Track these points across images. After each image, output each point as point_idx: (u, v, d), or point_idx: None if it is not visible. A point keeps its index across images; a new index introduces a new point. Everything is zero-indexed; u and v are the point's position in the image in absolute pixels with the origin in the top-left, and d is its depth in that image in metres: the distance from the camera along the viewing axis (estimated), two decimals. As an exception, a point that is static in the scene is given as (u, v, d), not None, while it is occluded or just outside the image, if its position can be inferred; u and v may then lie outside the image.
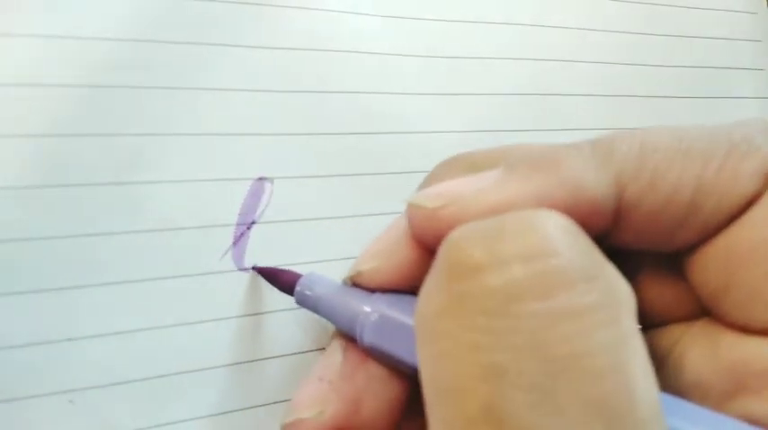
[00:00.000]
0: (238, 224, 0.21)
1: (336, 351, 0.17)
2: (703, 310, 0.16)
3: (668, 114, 0.28)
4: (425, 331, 0.12)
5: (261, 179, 0.22)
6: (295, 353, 0.22)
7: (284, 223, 0.22)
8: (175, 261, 0.20)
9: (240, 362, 0.21)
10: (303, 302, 0.18)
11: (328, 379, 0.16)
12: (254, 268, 0.21)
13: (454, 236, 0.13)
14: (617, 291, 0.12)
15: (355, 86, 0.23)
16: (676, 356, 0.16)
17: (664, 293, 0.16)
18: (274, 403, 0.21)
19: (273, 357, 0.21)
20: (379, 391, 0.16)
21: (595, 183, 0.14)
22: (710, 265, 0.15)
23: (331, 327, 0.19)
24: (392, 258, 0.16)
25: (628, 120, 0.28)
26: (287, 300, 0.22)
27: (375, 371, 0.17)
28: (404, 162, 0.24)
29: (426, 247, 0.16)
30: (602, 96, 0.28)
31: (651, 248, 0.15)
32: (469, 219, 0.13)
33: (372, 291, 0.17)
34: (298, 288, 0.18)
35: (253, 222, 0.21)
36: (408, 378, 0.17)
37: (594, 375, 0.11)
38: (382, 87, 0.24)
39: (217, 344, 0.21)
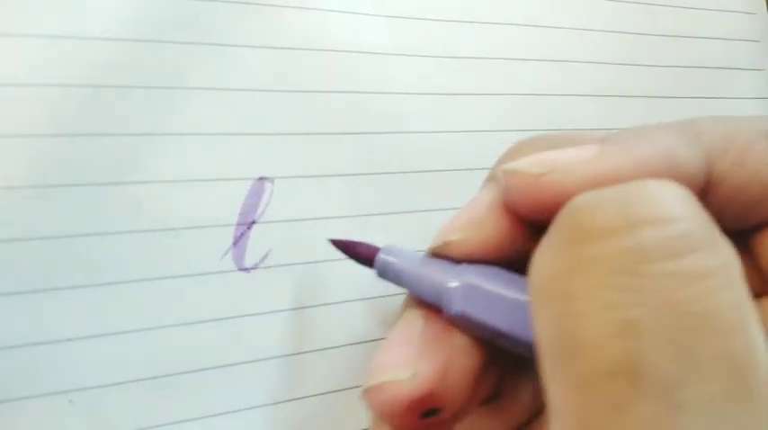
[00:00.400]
0: (238, 224, 0.21)
1: (416, 320, 0.17)
2: None
3: (668, 114, 0.28)
4: (548, 292, 0.13)
5: (261, 179, 0.22)
6: (294, 354, 0.22)
7: (284, 223, 0.22)
8: (175, 261, 0.20)
9: (240, 363, 0.21)
10: (385, 273, 0.18)
11: (412, 345, 0.17)
12: (332, 242, 0.20)
13: (579, 201, 0.13)
14: (732, 258, 0.12)
15: (355, 86, 0.23)
16: None
17: None
18: (276, 403, 0.21)
19: (273, 357, 0.21)
20: (463, 360, 0.17)
21: (689, 157, 0.15)
22: None
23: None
24: (481, 229, 0.17)
25: (628, 121, 0.28)
26: (286, 301, 0.22)
27: (459, 341, 0.17)
28: (404, 162, 0.24)
29: (517, 218, 0.16)
30: (602, 96, 0.28)
31: (726, 226, 0.16)
32: (572, 187, 0.14)
33: (458, 262, 0.17)
34: (381, 256, 0.18)
35: (253, 222, 0.21)
36: (487, 350, 0.17)
37: (724, 332, 0.11)
38: (382, 87, 0.24)
39: (217, 344, 0.21)
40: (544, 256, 0.13)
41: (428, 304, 0.17)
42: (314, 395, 0.22)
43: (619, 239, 0.12)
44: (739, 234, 0.16)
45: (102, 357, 0.19)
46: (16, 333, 0.18)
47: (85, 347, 0.19)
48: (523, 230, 0.16)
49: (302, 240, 0.22)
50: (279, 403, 0.21)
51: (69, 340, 0.19)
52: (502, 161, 0.18)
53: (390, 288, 0.23)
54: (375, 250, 0.19)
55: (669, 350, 0.11)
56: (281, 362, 0.21)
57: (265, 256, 0.21)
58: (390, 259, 0.18)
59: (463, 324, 0.17)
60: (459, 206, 0.24)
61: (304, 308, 0.22)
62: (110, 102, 0.20)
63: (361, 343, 0.22)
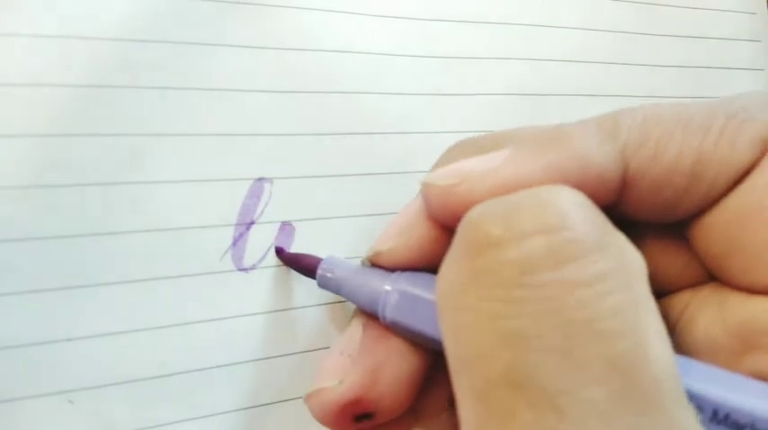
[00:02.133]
0: (238, 224, 0.21)
1: (357, 328, 0.18)
2: (709, 276, 0.17)
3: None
4: (447, 305, 0.13)
5: (261, 179, 0.22)
6: (294, 354, 0.22)
7: (283, 223, 0.22)
8: (175, 261, 0.20)
9: (240, 362, 0.21)
10: (325, 284, 0.19)
11: (348, 352, 0.17)
12: (276, 253, 0.21)
13: (473, 214, 0.13)
14: (628, 259, 0.12)
15: (355, 86, 0.23)
16: (686, 321, 0.17)
17: (670, 262, 0.17)
18: (275, 403, 0.21)
19: (273, 357, 0.21)
20: (397, 364, 0.17)
21: (602, 156, 0.15)
22: (714, 231, 0.16)
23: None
24: (409, 238, 0.17)
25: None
26: (286, 301, 0.22)
27: (394, 344, 0.17)
28: (404, 162, 0.24)
29: (442, 225, 0.17)
30: (602, 96, 0.28)
31: (656, 219, 0.16)
32: (482, 195, 0.14)
33: (391, 270, 0.18)
34: (319, 271, 0.19)
35: (252, 222, 0.21)
36: (428, 352, 0.17)
37: (608, 336, 0.11)
38: (382, 87, 0.24)
39: (216, 344, 0.21)
40: (444, 270, 0.14)
41: (368, 313, 0.18)
42: (313, 395, 0.22)
43: (504, 251, 0.12)
44: (675, 225, 0.16)
45: (102, 357, 0.19)
46: (16, 333, 0.18)
47: (85, 347, 0.19)
48: (448, 237, 0.16)
49: (302, 240, 0.22)
50: (279, 403, 0.21)
51: (69, 340, 0.19)
52: (432, 168, 0.18)
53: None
54: (317, 261, 0.19)
55: (552, 358, 0.11)
56: (282, 362, 0.21)
57: (264, 256, 0.21)
58: (329, 271, 0.19)
59: (398, 329, 0.17)
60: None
61: (304, 307, 0.22)
62: (110, 102, 0.20)
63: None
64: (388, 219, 0.23)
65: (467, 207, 0.14)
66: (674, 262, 0.17)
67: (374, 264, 0.18)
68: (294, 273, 0.21)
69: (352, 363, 0.17)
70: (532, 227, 0.12)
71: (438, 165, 0.18)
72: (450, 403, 0.18)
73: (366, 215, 0.23)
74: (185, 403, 0.20)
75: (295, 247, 0.22)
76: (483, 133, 0.25)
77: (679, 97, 0.29)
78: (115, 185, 0.20)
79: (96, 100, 0.20)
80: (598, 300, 0.12)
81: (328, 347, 0.22)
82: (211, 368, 0.21)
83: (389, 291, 0.17)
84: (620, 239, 0.13)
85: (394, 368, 0.17)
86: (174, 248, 0.20)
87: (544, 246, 0.12)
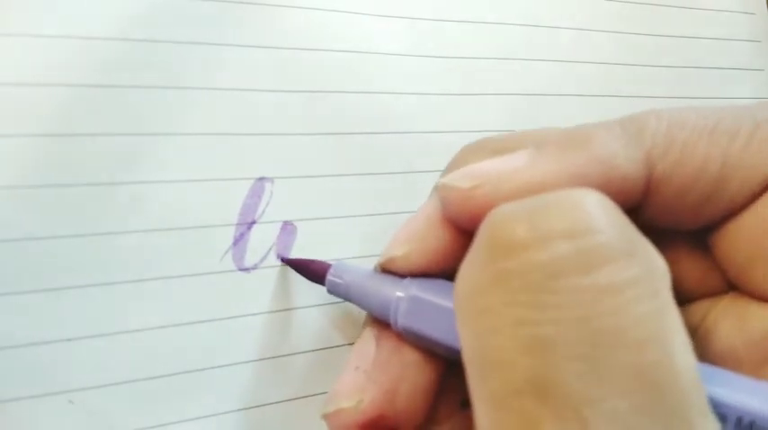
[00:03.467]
0: (238, 224, 0.21)
1: (369, 340, 0.17)
2: (729, 285, 0.16)
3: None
4: (468, 308, 0.13)
5: (261, 179, 0.22)
6: (295, 354, 0.22)
7: (284, 223, 0.22)
8: (176, 261, 0.20)
9: (240, 363, 0.21)
10: (335, 290, 0.19)
11: (364, 368, 0.17)
12: (282, 260, 0.21)
13: (496, 214, 0.13)
14: (655, 266, 0.12)
15: (356, 86, 0.23)
16: (704, 331, 0.16)
17: (691, 270, 0.17)
18: (276, 403, 0.21)
19: (273, 357, 0.21)
20: (413, 378, 0.17)
21: (626, 159, 0.14)
22: (737, 240, 0.15)
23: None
24: (424, 243, 0.17)
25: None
26: (286, 301, 0.22)
27: (409, 357, 0.17)
28: (405, 162, 0.24)
29: (459, 229, 0.16)
30: (602, 97, 0.28)
31: (678, 225, 0.16)
32: (503, 198, 0.14)
33: (403, 276, 0.17)
34: (329, 277, 0.19)
35: (253, 222, 0.21)
36: (441, 361, 0.17)
37: (637, 346, 0.11)
38: (383, 87, 0.24)
39: (217, 344, 0.21)
40: (465, 272, 0.13)
41: (381, 323, 0.17)
42: (313, 394, 0.22)
43: (530, 254, 0.12)
44: (697, 233, 0.16)
45: (102, 357, 0.19)
46: (16, 333, 0.18)
47: (85, 347, 0.19)
48: (465, 242, 0.15)
49: (302, 240, 0.22)
50: (279, 403, 0.21)
51: (69, 340, 0.19)
52: (446, 170, 0.18)
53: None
54: (326, 267, 0.19)
55: (578, 367, 0.11)
56: (282, 362, 0.21)
57: (265, 256, 0.21)
58: (338, 277, 0.18)
59: (411, 337, 0.17)
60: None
61: (305, 308, 0.22)
62: (110, 102, 0.20)
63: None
64: (389, 219, 0.23)
65: (486, 210, 0.13)
66: (694, 270, 0.17)
67: (386, 269, 0.17)
68: (294, 274, 0.21)
69: (367, 380, 0.17)
70: (560, 229, 0.12)
71: (453, 166, 0.17)
72: (462, 404, 0.18)
73: (368, 215, 0.23)
74: (185, 403, 0.20)
75: (296, 247, 0.22)
76: (491, 133, 0.25)
77: (679, 97, 0.29)
78: (115, 185, 0.20)
79: (96, 100, 0.20)
80: (627, 307, 0.11)
81: (328, 347, 0.22)
82: (212, 368, 0.20)
83: (401, 297, 0.16)
84: (647, 245, 0.12)
85: (410, 382, 0.17)
86: (174, 248, 0.20)
87: (573, 249, 0.12)
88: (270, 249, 0.21)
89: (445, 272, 0.16)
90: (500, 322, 0.12)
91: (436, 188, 0.17)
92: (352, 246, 0.22)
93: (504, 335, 0.12)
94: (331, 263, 0.19)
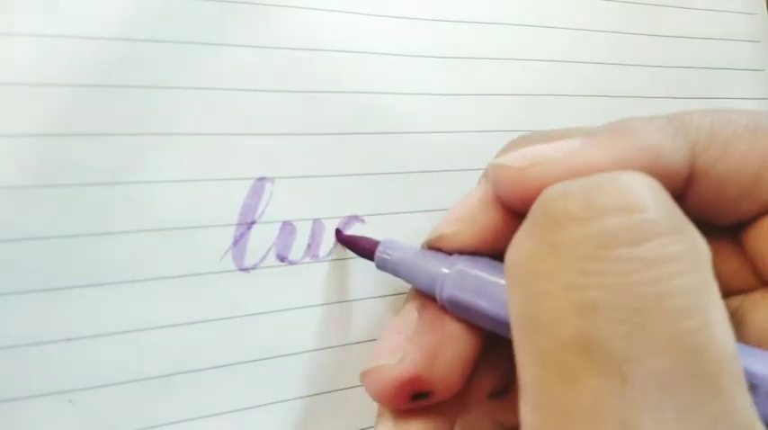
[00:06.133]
0: (238, 224, 0.21)
1: (412, 310, 0.18)
2: (761, 282, 0.17)
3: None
4: (521, 273, 0.14)
5: (261, 179, 0.22)
6: (294, 354, 0.22)
7: (284, 223, 0.22)
8: (175, 261, 0.20)
9: (240, 363, 0.21)
10: (383, 266, 0.20)
11: (405, 333, 0.18)
12: (337, 237, 0.22)
13: (553, 190, 0.14)
14: (698, 245, 0.13)
15: (355, 86, 0.23)
16: (736, 322, 0.17)
17: (724, 265, 0.17)
18: (276, 403, 0.21)
19: (273, 357, 0.21)
20: (453, 346, 0.17)
21: (672, 150, 0.15)
22: None
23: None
24: (473, 222, 0.18)
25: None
26: (286, 301, 0.22)
27: (450, 328, 0.18)
28: (404, 162, 0.24)
29: (507, 211, 0.17)
30: (602, 97, 0.28)
31: (714, 220, 0.17)
32: (554, 179, 0.15)
33: (450, 253, 0.18)
34: (378, 252, 0.20)
35: (253, 222, 0.21)
36: (480, 338, 0.18)
37: (678, 313, 0.12)
38: (383, 87, 0.24)
39: (217, 344, 0.21)
40: (518, 241, 0.14)
41: (425, 294, 0.18)
42: (313, 394, 0.22)
43: (583, 226, 0.13)
44: (730, 229, 0.17)
45: (102, 357, 0.19)
46: (16, 333, 0.18)
47: (85, 347, 0.19)
48: (512, 224, 0.17)
49: (303, 240, 0.22)
50: (279, 402, 0.21)
51: (69, 340, 0.19)
52: (495, 157, 0.19)
53: (390, 287, 0.23)
54: (375, 244, 0.20)
55: (622, 328, 0.12)
56: (282, 362, 0.21)
57: (265, 256, 0.21)
58: (388, 252, 0.19)
59: (455, 309, 0.17)
60: (459, 206, 0.24)
61: (305, 308, 0.22)
62: (110, 102, 0.20)
63: (361, 342, 0.22)
64: (389, 219, 0.23)
65: (538, 190, 0.14)
66: (727, 265, 0.18)
67: (434, 247, 0.18)
68: (294, 274, 0.21)
69: (409, 343, 0.17)
70: (612, 205, 0.13)
71: (503, 152, 0.18)
72: (492, 395, 0.20)
73: (368, 215, 0.23)
74: (185, 403, 0.20)
75: (295, 247, 0.22)
76: (490, 134, 0.25)
77: (679, 97, 0.29)
78: (115, 185, 0.20)
79: (96, 100, 0.20)
80: (671, 278, 0.12)
81: (328, 347, 0.22)
82: (211, 368, 0.20)
83: (448, 271, 0.17)
84: (691, 227, 0.13)
85: (450, 350, 0.17)
86: (174, 248, 0.20)
87: (623, 223, 0.13)
88: (270, 249, 0.21)
89: (491, 251, 0.17)
90: (552, 286, 0.13)
91: (488, 170, 0.18)
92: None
93: (555, 297, 0.13)
94: (379, 240, 0.20)
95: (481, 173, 0.20)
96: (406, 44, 0.24)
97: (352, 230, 0.23)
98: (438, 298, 0.18)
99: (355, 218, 0.23)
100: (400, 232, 0.23)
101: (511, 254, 0.14)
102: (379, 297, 0.23)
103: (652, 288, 0.12)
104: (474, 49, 0.26)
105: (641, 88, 0.28)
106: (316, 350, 0.22)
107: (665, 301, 0.12)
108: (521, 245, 0.14)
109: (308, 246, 0.22)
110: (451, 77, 0.25)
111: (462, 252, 0.18)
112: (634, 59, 0.28)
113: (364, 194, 0.23)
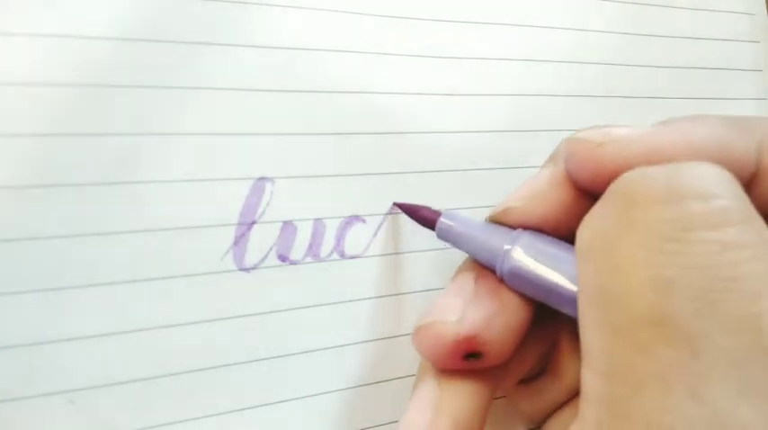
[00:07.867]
0: (238, 224, 0.21)
1: (468, 279, 0.19)
2: None
3: (667, 115, 0.28)
4: (595, 248, 0.15)
5: (262, 178, 0.22)
6: (294, 354, 0.22)
7: (284, 223, 0.22)
8: (175, 261, 0.20)
9: (240, 363, 0.21)
10: (444, 236, 0.20)
11: (464, 297, 0.18)
12: (395, 203, 0.23)
13: (633, 173, 0.15)
14: (765, 235, 0.14)
15: (355, 86, 0.23)
16: None
17: None
18: (276, 403, 0.21)
19: (273, 357, 0.21)
20: (508, 315, 0.18)
21: (741, 147, 0.16)
22: None
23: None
24: (542, 198, 0.18)
25: (628, 122, 0.28)
26: (286, 301, 0.22)
27: (506, 298, 0.18)
28: (404, 162, 0.24)
29: (577, 191, 0.18)
30: (602, 97, 0.28)
31: None
32: (628, 157, 0.16)
33: (514, 229, 0.18)
34: (441, 221, 0.20)
35: (253, 222, 0.21)
36: (532, 311, 0.18)
37: (750, 295, 0.13)
38: (383, 87, 0.24)
39: (217, 344, 0.21)
40: (595, 216, 0.15)
41: (482, 267, 0.19)
42: (313, 395, 0.22)
43: (664, 208, 0.14)
44: None
45: (102, 357, 0.19)
46: (16, 333, 0.18)
47: (85, 347, 0.19)
48: (580, 204, 0.18)
49: (303, 240, 0.22)
50: (279, 403, 0.21)
51: (69, 340, 0.19)
52: (554, 153, 0.19)
53: (391, 288, 0.23)
54: (437, 214, 0.20)
55: (696, 306, 0.13)
56: (282, 362, 0.21)
57: (265, 256, 0.21)
58: (450, 223, 0.20)
59: (514, 283, 0.18)
60: (460, 206, 0.24)
61: (305, 308, 0.22)
62: (110, 102, 0.20)
63: (361, 342, 0.22)
64: (389, 220, 0.23)
65: (611, 167, 0.15)
66: None
67: (499, 220, 0.19)
68: (294, 273, 0.21)
69: (468, 304, 0.18)
70: (692, 191, 0.14)
71: (558, 148, 0.19)
72: (525, 378, 0.20)
73: (368, 215, 0.23)
74: (185, 403, 0.20)
75: (296, 247, 0.22)
76: (491, 134, 0.25)
77: (679, 98, 0.29)
78: (115, 185, 0.20)
79: (96, 100, 0.20)
80: (745, 263, 0.13)
81: (328, 347, 0.22)
82: (211, 368, 0.20)
83: (512, 244, 0.18)
84: (760, 218, 0.14)
85: (506, 317, 0.18)
86: (174, 248, 0.20)
87: (703, 209, 0.13)
88: (270, 249, 0.21)
89: (555, 230, 0.18)
90: (628, 262, 0.13)
91: (553, 157, 0.19)
92: (353, 246, 0.22)
93: (631, 273, 0.13)
94: (441, 211, 0.20)
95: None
96: (406, 44, 0.24)
97: (353, 230, 0.23)
98: (498, 270, 0.18)
99: (356, 218, 0.23)
100: (400, 232, 0.23)
101: (585, 229, 0.15)
102: (380, 297, 0.23)
103: (726, 270, 0.13)
104: (474, 49, 0.26)
105: (641, 88, 0.28)
106: (316, 350, 0.22)
107: (738, 284, 0.13)
108: (596, 221, 0.15)
109: (309, 246, 0.22)
110: (451, 77, 0.25)
111: (526, 227, 0.18)
112: (634, 59, 0.28)
113: (364, 194, 0.23)
